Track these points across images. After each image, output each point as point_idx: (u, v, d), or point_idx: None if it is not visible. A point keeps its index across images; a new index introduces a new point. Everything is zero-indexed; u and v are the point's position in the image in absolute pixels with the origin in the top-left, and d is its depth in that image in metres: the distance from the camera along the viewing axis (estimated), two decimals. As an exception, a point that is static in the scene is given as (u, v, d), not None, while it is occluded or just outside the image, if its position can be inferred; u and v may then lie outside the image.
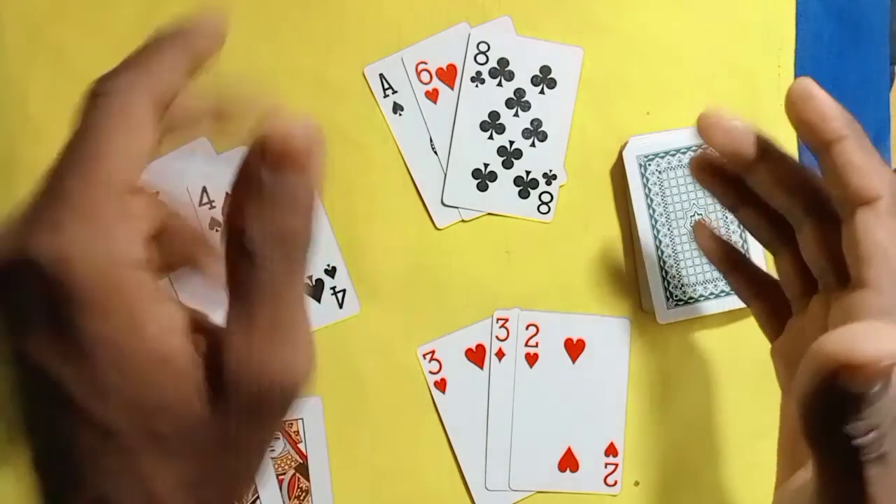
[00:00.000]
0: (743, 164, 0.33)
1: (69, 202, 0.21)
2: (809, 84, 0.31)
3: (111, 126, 0.23)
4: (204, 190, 0.43)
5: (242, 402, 0.21)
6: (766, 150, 0.33)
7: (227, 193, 0.22)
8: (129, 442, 0.21)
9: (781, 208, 0.34)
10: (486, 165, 0.45)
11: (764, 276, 0.38)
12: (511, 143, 0.45)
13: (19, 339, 0.21)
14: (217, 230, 0.43)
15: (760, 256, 0.44)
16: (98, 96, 0.24)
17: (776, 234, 0.35)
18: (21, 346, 0.21)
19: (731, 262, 0.38)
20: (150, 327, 0.21)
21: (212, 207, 0.43)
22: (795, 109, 0.31)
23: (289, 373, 0.22)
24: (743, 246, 0.44)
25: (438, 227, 0.45)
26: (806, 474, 0.29)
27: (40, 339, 0.21)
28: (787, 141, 0.46)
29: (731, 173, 0.35)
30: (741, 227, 0.44)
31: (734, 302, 0.44)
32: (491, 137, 0.45)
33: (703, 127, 0.34)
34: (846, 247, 0.30)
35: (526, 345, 0.44)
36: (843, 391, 0.21)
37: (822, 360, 0.21)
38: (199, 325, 0.23)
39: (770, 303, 0.36)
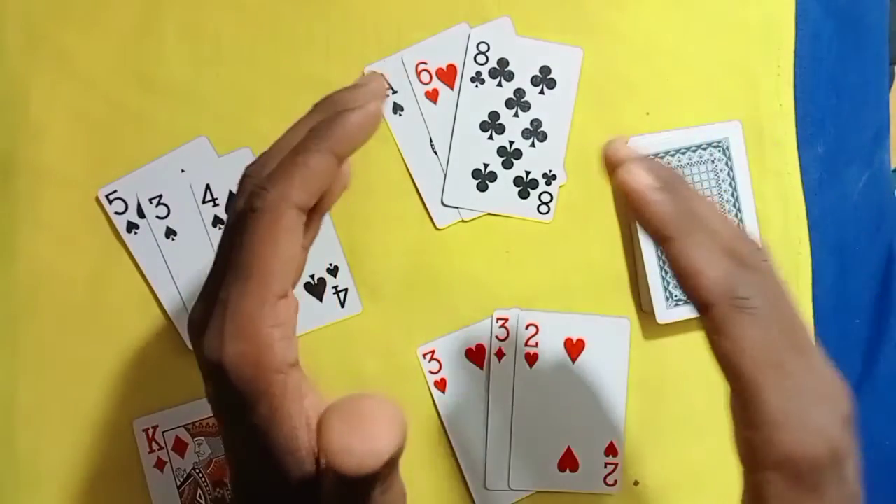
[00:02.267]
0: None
1: (233, 318, 0.26)
2: (645, 192, 0.29)
3: (263, 242, 0.26)
4: (207, 188, 0.43)
5: (328, 473, 0.25)
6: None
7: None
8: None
9: None
10: (486, 165, 0.45)
11: None
12: (511, 143, 0.45)
13: (215, 415, 0.28)
14: (220, 228, 0.43)
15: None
16: (252, 212, 0.26)
17: None
18: (217, 420, 0.29)
19: None
20: (284, 427, 0.26)
21: (215, 205, 0.44)
22: (635, 213, 0.30)
23: (355, 459, 0.25)
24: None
25: (438, 227, 0.45)
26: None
27: (221, 418, 0.28)
28: (785, 140, 0.46)
29: None
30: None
31: (734, 302, 0.44)
32: (491, 137, 0.45)
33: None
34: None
35: (526, 345, 0.44)
36: None
37: None
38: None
39: None
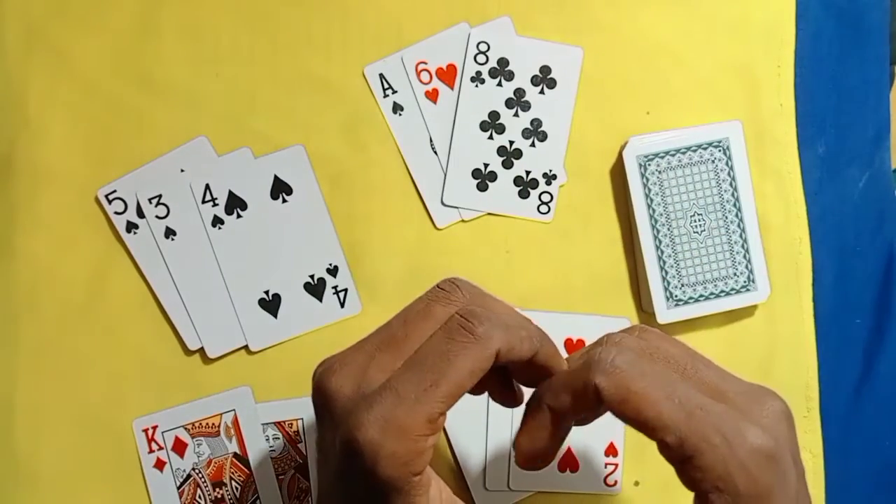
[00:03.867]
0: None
1: (400, 419, 0.27)
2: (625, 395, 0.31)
3: (464, 365, 0.28)
4: (207, 188, 0.43)
5: None
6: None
7: None
8: None
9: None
10: (486, 165, 0.45)
11: None
12: (511, 142, 0.45)
13: (329, 469, 0.30)
14: (219, 227, 0.43)
15: (760, 255, 0.44)
16: (469, 333, 0.28)
17: None
18: (323, 465, 0.31)
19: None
20: None
21: (214, 205, 0.43)
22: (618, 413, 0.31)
23: None
24: (746, 233, 0.44)
25: (438, 227, 0.45)
26: None
27: (340, 484, 0.29)
28: (786, 140, 0.46)
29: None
30: (739, 224, 0.44)
31: (734, 302, 0.44)
32: (491, 137, 0.45)
33: None
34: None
35: (526, 345, 0.44)
36: None
37: None
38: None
39: None
